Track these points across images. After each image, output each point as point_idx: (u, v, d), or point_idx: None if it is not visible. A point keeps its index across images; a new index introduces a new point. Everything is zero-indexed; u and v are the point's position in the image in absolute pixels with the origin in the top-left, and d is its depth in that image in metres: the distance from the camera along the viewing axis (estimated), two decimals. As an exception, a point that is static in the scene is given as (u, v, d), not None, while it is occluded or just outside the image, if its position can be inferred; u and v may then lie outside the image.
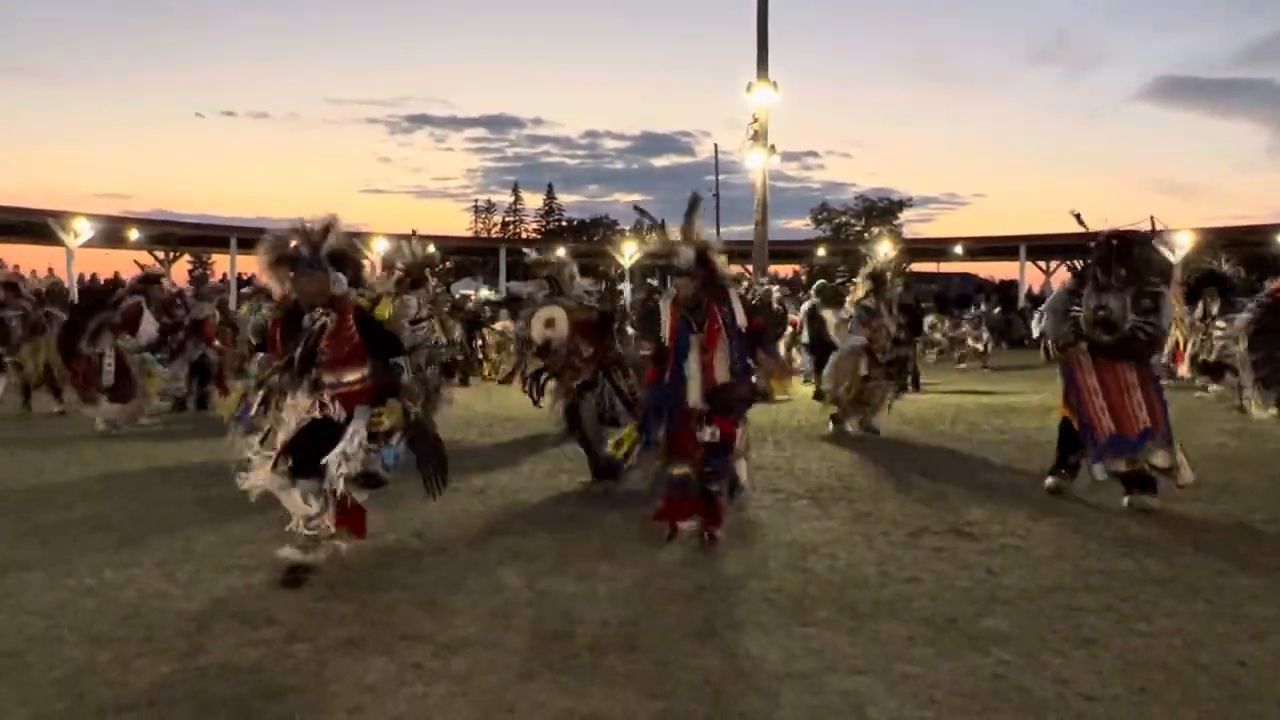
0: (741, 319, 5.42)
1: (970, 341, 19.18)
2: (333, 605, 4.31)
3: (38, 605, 4.30)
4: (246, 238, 32.27)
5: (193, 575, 4.73)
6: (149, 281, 10.32)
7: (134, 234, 28.78)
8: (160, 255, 31.40)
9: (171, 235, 32.00)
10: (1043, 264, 34.11)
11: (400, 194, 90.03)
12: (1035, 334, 8.21)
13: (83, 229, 25.33)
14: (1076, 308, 6.53)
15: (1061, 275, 33.30)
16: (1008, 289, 32.76)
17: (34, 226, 25.63)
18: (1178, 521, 5.75)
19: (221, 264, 40.52)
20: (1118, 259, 6.41)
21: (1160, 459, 6.02)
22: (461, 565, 4.93)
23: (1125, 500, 6.10)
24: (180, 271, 37.17)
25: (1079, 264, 7.67)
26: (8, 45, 78.15)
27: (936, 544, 5.31)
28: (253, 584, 4.62)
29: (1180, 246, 28.02)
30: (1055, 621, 4.08)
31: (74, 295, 24.27)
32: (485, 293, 34.11)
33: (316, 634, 3.95)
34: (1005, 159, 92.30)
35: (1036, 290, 33.82)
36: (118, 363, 9.49)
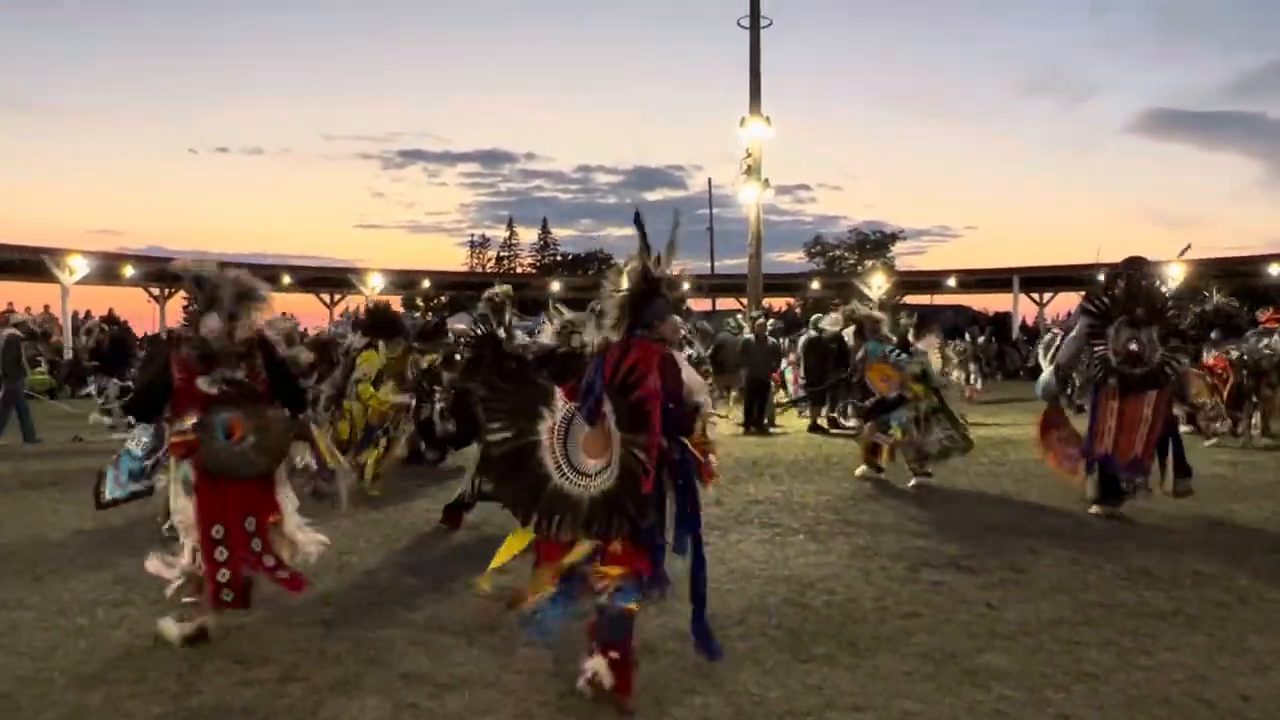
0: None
1: (955, 375, 18.86)
2: (327, 644, 4.26)
3: (29, 646, 4.25)
4: (242, 273, 32.40)
5: (187, 615, 4.67)
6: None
7: (129, 270, 28.75)
8: (155, 292, 31.41)
9: (167, 272, 32.02)
10: (1036, 296, 34.25)
11: (395, 229, 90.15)
12: (1046, 366, 8.28)
13: (78, 266, 25.35)
14: (1098, 342, 6.62)
15: (1055, 307, 33.49)
16: (1002, 321, 32.88)
17: (29, 264, 25.63)
18: (1176, 553, 5.73)
19: (217, 300, 40.51)
20: (1142, 294, 6.70)
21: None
22: (458, 602, 4.89)
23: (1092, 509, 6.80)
24: (175, 309, 37.14)
25: (1096, 298, 7.61)
26: None
27: (935, 578, 5.28)
28: (246, 623, 4.56)
29: (1173, 278, 28.26)
30: (1056, 656, 4.05)
31: (67, 332, 24.27)
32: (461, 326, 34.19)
33: (311, 673, 3.91)
34: (997, 191, 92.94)
35: (1030, 322, 33.98)
36: None
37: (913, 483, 8.09)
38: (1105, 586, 5.06)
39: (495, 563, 3.80)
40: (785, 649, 4.19)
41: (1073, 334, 7.28)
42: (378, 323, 8.76)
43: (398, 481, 8.73)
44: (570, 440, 3.62)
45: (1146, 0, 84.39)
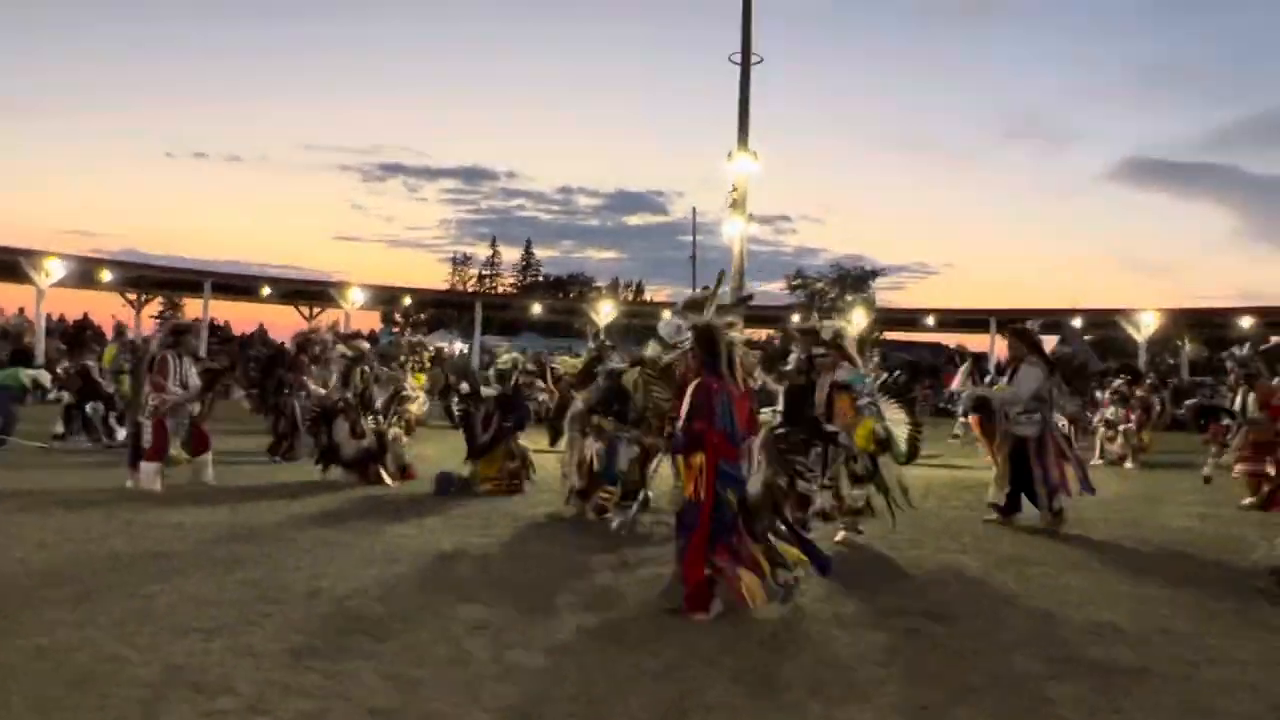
0: (685, 412, 5.44)
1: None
2: (294, 675, 4.19)
3: (-14, 667, 4.15)
4: (221, 283, 32.14)
5: (150, 638, 4.59)
6: (179, 333, 9.89)
7: (106, 275, 28.48)
8: (132, 298, 31.14)
9: (144, 278, 31.73)
10: (1012, 338, 34.67)
11: (373, 242, 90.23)
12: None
13: (54, 269, 25.09)
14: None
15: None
16: (979, 359, 33.12)
17: (4, 265, 25.33)
18: (1146, 609, 5.76)
19: (194, 308, 40.22)
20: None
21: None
22: (428, 635, 4.83)
23: None
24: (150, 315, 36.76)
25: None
26: None
27: (909, 625, 5.28)
28: (212, 648, 4.49)
29: (1146, 326, 28.66)
30: (1027, 713, 4.05)
31: (41, 333, 23.96)
32: (460, 345, 34.10)
33: (277, 705, 3.85)
34: (975, 231, 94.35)
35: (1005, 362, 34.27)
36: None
37: (839, 536, 7.43)
38: (1076, 641, 5.08)
39: None
40: (757, 694, 4.17)
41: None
42: None
43: (369, 506, 8.67)
44: None
45: (1127, 51, 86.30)
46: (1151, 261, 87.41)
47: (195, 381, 9.53)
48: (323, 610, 5.17)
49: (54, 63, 79.02)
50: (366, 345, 11.74)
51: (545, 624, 5.07)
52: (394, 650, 4.57)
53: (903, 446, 7.45)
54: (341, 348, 10.80)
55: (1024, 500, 8.62)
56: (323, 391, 11.31)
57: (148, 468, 9.06)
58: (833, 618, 5.41)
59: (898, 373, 8.35)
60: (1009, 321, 9.32)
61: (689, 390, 5.35)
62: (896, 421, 7.49)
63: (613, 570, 6.40)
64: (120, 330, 18.01)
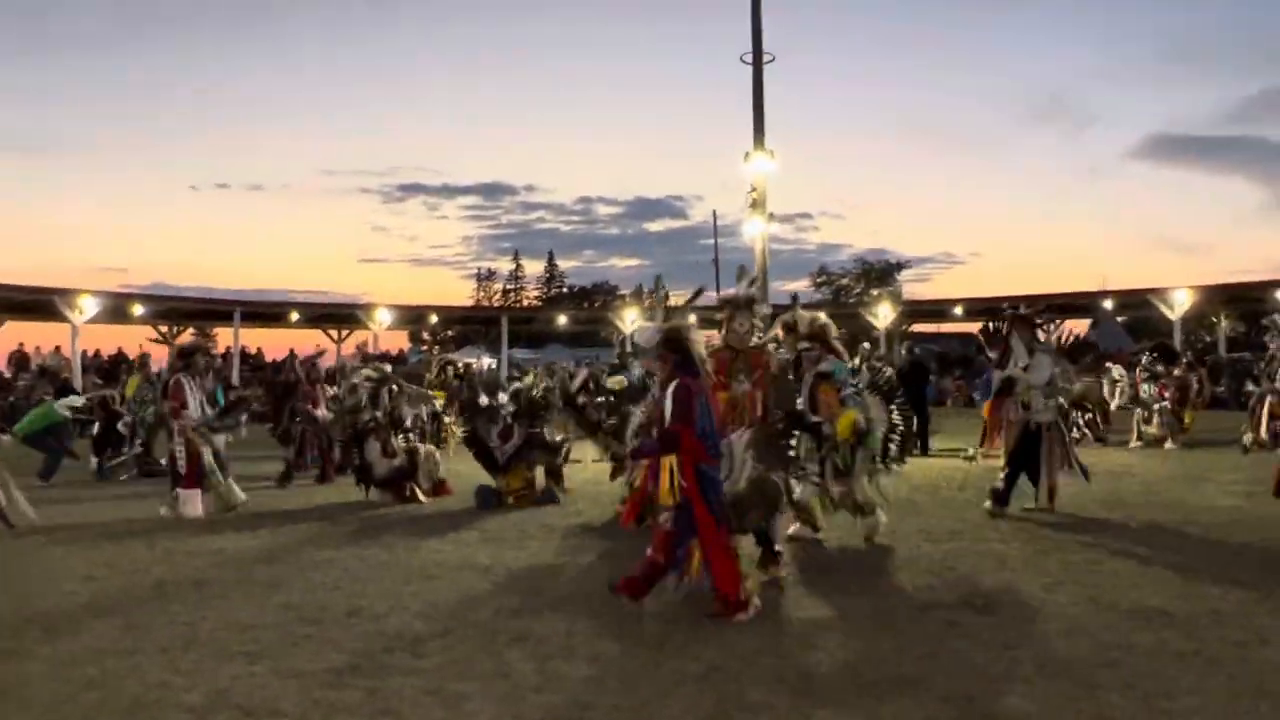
0: (668, 416, 5.38)
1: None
2: (338, 694, 4.22)
3: (38, 699, 4.22)
4: (250, 311, 32.55)
5: (195, 663, 4.65)
6: (188, 355, 9.95)
7: (138, 309, 28.92)
8: (164, 329, 31.58)
9: (175, 310, 32.19)
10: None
11: (398, 263, 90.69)
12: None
13: (88, 306, 25.52)
14: None
15: (1061, 333, 33.39)
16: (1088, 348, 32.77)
17: (40, 304, 25.82)
18: (1193, 591, 5.67)
19: (225, 337, 40.73)
20: None
21: None
22: (469, 648, 4.85)
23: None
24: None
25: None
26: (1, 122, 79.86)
27: (950, 618, 5.23)
28: (256, 671, 4.53)
29: (1179, 305, 28.23)
30: (1076, 700, 3.99)
31: (76, 370, 24.37)
32: (489, 360, 34.27)
33: (322, 725, 3.88)
34: (1001, 218, 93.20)
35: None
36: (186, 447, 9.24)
37: (793, 529, 7.24)
38: (1122, 626, 5.00)
39: None
40: (800, 693, 4.14)
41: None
42: None
43: (405, 524, 8.72)
44: None
45: (1147, 28, 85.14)
46: (1182, 239, 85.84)
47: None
48: (363, 629, 5.21)
49: (75, 102, 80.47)
50: (388, 366, 11.83)
51: (585, 634, 5.07)
52: (435, 665, 4.59)
53: (877, 445, 7.30)
54: (367, 370, 10.88)
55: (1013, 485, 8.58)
56: (329, 416, 11.62)
57: (186, 494, 9.15)
58: (873, 612, 5.37)
59: (888, 372, 8.10)
60: (1011, 308, 9.18)
61: (669, 392, 5.33)
62: (879, 421, 7.36)
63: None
64: (144, 361, 18.27)
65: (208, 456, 9.32)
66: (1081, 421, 15.91)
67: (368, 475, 10.14)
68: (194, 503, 9.12)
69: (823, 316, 7.73)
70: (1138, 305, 31.70)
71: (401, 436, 10.30)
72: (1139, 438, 14.85)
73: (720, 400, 5.91)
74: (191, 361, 9.72)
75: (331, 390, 12.33)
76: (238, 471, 10.07)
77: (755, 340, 6.39)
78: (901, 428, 7.53)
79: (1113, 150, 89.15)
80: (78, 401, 14.35)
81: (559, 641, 4.93)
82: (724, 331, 6.35)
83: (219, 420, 9.80)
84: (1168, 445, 14.30)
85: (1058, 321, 12.20)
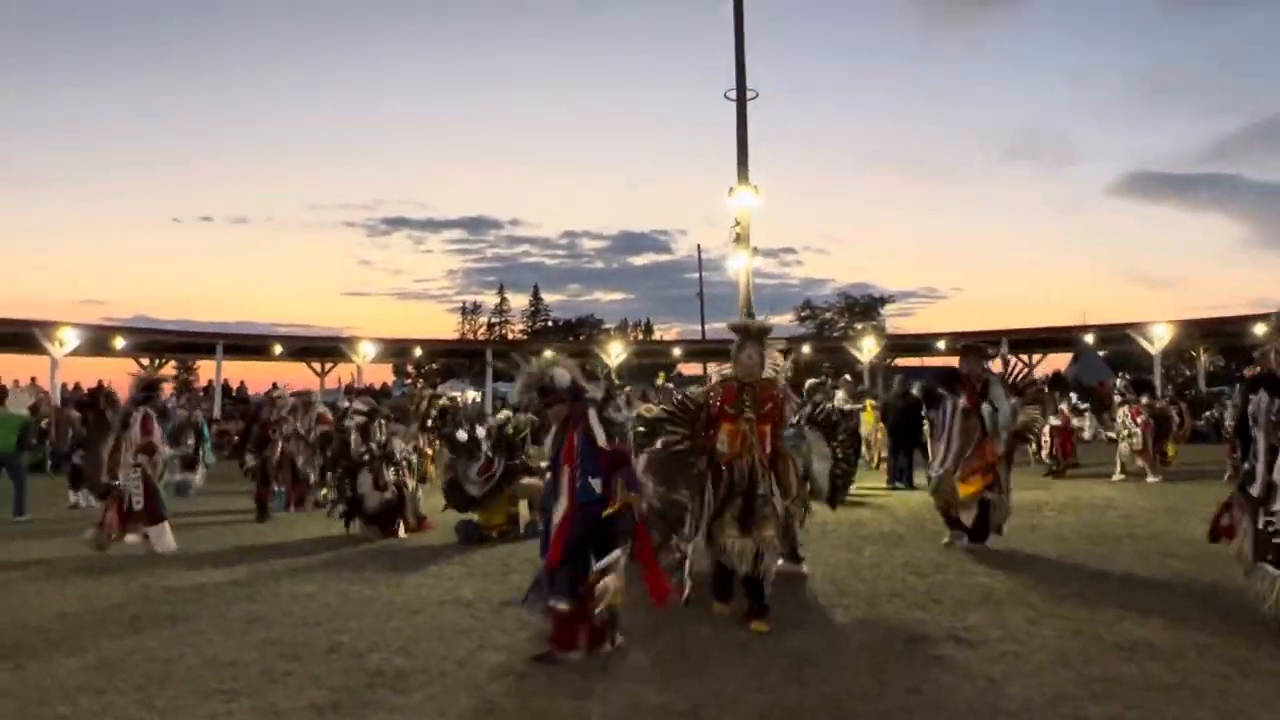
0: (600, 440, 5.24)
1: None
2: (317, 732, 4.16)
3: (9, 738, 4.13)
4: (233, 344, 32.39)
5: (171, 701, 4.57)
6: (150, 389, 9.74)
7: (120, 342, 28.73)
8: (145, 362, 31.36)
9: (158, 343, 32.01)
10: (1025, 357, 34.50)
11: (382, 296, 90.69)
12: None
13: (69, 338, 25.34)
14: None
15: (1044, 368, 33.66)
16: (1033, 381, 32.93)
17: (19, 336, 25.60)
18: (1177, 623, 5.67)
19: (206, 370, 40.45)
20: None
21: None
22: (452, 684, 4.79)
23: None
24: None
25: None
26: None
27: (935, 651, 5.21)
28: (234, 709, 4.46)
29: (1159, 339, 28.51)
30: (1062, 734, 3.98)
31: (56, 402, 24.14)
32: (473, 393, 34.15)
33: (300, 764, 3.80)
34: (982, 253, 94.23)
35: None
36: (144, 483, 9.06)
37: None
38: (1107, 659, 4.99)
39: None
40: (786, 730, 4.10)
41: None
42: None
43: (387, 558, 8.63)
44: None
45: (1126, 66, 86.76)
46: (1161, 274, 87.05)
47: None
48: (344, 665, 5.13)
49: (58, 133, 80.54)
50: (373, 401, 11.79)
51: (570, 668, 5.01)
52: (418, 702, 4.53)
53: (823, 483, 7.11)
54: (358, 403, 10.85)
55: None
56: (291, 449, 12.01)
57: (155, 530, 9.02)
58: (859, 646, 5.34)
59: (828, 408, 8.06)
60: (1026, 342, 9.33)
61: (594, 420, 5.26)
62: (822, 457, 7.14)
63: (635, 612, 6.33)
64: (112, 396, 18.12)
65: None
66: (1043, 453, 16.05)
67: (358, 508, 10.06)
68: (165, 536, 9.01)
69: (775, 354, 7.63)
70: (1118, 339, 32.01)
71: (393, 470, 10.24)
72: (1121, 470, 14.92)
73: (726, 433, 5.88)
74: (153, 397, 9.62)
75: (292, 425, 12.41)
76: (215, 505, 9.93)
77: (770, 373, 6.14)
78: (845, 466, 7.33)
79: (1092, 186, 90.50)
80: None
81: (542, 676, 4.87)
82: (732, 363, 6.15)
83: (176, 452, 9.69)
84: (1149, 478, 14.37)
85: (1007, 356, 12.06)
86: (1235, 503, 5.80)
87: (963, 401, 8.30)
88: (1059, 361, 39.49)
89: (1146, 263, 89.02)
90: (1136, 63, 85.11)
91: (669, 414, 6.56)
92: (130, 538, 9.01)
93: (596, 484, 5.17)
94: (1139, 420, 14.83)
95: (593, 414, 5.31)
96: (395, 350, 37.62)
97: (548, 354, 5.71)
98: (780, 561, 7.09)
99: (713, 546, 5.98)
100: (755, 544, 5.79)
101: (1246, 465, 5.70)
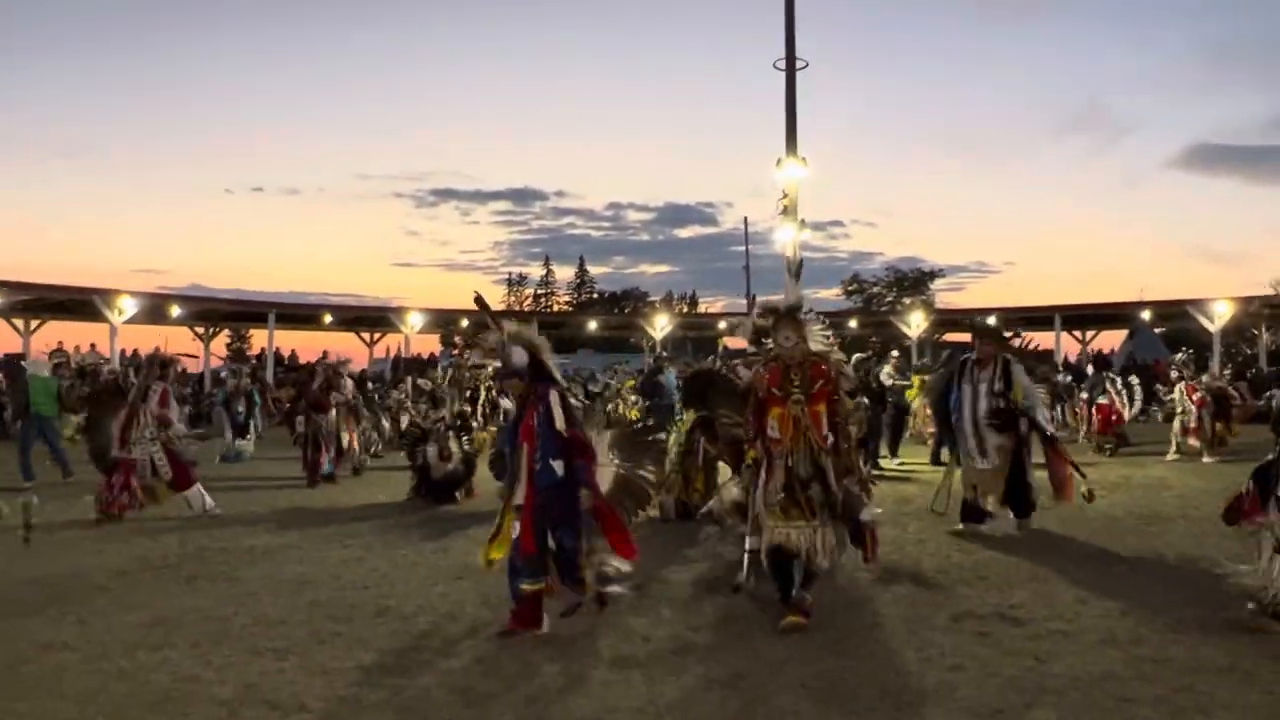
0: (560, 423, 5.12)
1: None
2: (365, 691, 4.26)
3: (71, 690, 4.29)
4: (285, 313, 32.89)
5: (226, 658, 4.70)
6: (166, 365, 9.96)
7: (176, 310, 29.32)
8: (200, 330, 32.01)
9: (213, 311, 32.63)
10: (1078, 334, 33.83)
11: (430, 267, 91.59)
12: None
13: (127, 306, 25.90)
14: None
15: (1098, 344, 33.00)
16: (1046, 358, 32.42)
17: (80, 304, 26.25)
18: (1231, 605, 5.53)
19: (259, 338, 41.25)
20: None
21: None
22: (495, 648, 4.87)
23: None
24: (219, 346, 37.88)
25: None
26: (42, 124, 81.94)
27: (980, 628, 5.17)
28: (285, 667, 4.58)
29: (1219, 316, 27.75)
30: (1108, 713, 3.93)
31: (115, 367, 24.78)
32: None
33: (348, 722, 3.90)
34: (1035, 227, 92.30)
35: (1073, 360, 33.46)
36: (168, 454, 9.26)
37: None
38: (1157, 639, 4.91)
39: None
40: (826, 702, 4.11)
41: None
42: None
43: (434, 525, 8.76)
44: None
45: (1189, 34, 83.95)
46: (1223, 249, 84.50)
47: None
48: (391, 628, 5.24)
49: (114, 107, 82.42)
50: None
51: (611, 636, 5.06)
52: (462, 666, 4.61)
53: None
54: (423, 381, 11.13)
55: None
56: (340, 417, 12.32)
57: (192, 494, 9.26)
58: (902, 622, 5.32)
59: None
60: (1080, 318, 8.92)
61: (554, 400, 5.17)
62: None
63: (677, 580, 6.37)
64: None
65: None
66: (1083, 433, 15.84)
67: (425, 477, 10.24)
68: (202, 499, 9.27)
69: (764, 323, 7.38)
70: (1176, 316, 31.18)
71: (465, 440, 10.42)
72: (1176, 450, 14.59)
73: (775, 416, 5.44)
74: (167, 373, 9.87)
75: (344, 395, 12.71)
76: (267, 471, 10.12)
77: (821, 348, 5.62)
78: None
79: (1152, 159, 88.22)
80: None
81: (584, 644, 4.93)
82: (773, 343, 5.69)
83: (190, 431, 9.92)
84: (1204, 459, 14.03)
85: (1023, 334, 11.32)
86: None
87: (983, 386, 7.88)
88: (1114, 339, 38.73)
89: (1208, 238, 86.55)
90: (1200, 30, 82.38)
91: (725, 392, 6.26)
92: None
93: (558, 466, 5.08)
94: (1194, 398, 14.45)
95: (554, 395, 5.18)
96: (443, 321, 37.91)
97: (510, 326, 5.48)
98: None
99: (765, 538, 5.49)
100: (809, 535, 5.32)
101: None
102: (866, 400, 11.89)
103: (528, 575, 5.10)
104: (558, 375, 5.46)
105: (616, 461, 5.80)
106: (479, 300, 5.77)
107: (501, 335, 5.41)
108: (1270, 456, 5.42)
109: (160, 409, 9.32)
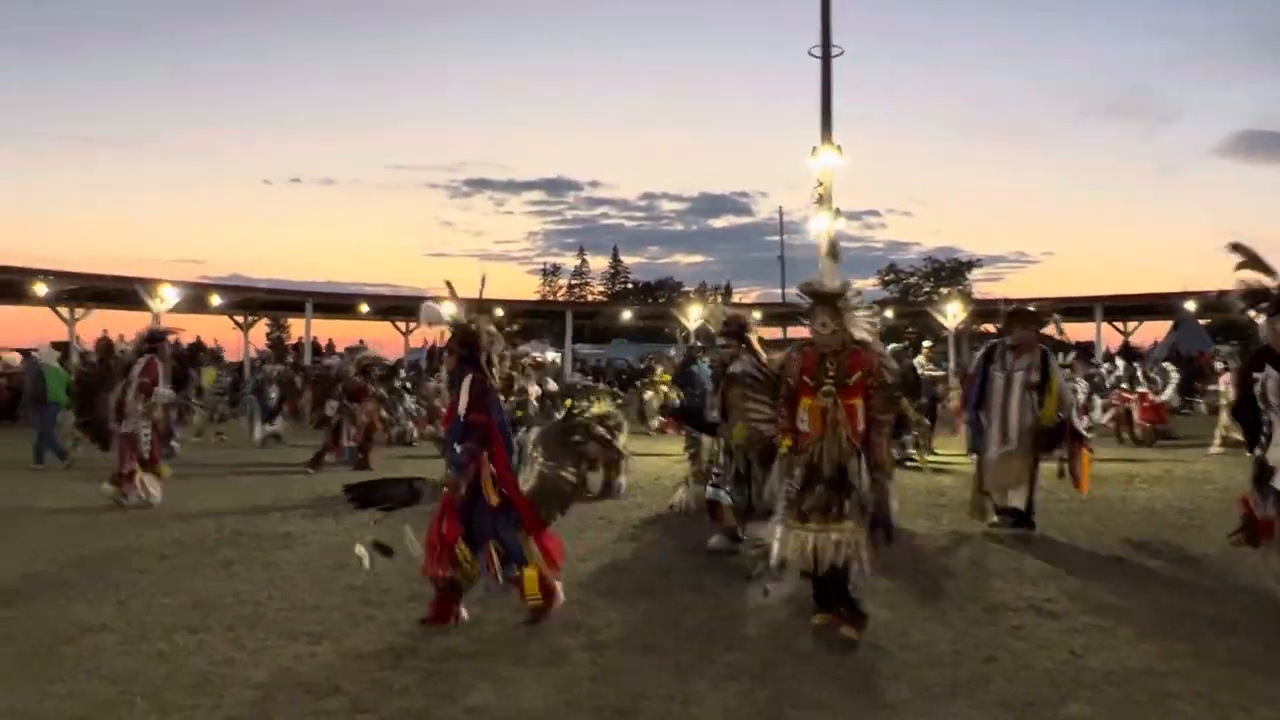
0: (462, 407, 5.02)
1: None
2: (396, 675, 4.30)
3: (110, 670, 4.37)
4: (322, 302, 33.26)
5: (260, 642, 4.77)
6: (154, 339, 9.96)
7: (215, 299, 29.77)
8: (240, 319, 32.46)
9: (252, 301, 33.07)
10: (1120, 324, 33.26)
11: (464, 257, 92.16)
12: None
13: (168, 295, 26.32)
14: None
15: (1141, 336, 32.44)
16: (1087, 350, 31.93)
17: (123, 294, 26.72)
18: (1271, 600, 5.44)
19: (297, 328, 41.73)
20: None
21: None
22: (525, 635, 4.89)
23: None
24: (258, 335, 38.44)
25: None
26: (83, 116, 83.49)
27: (1014, 621, 5.11)
28: (319, 651, 4.64)
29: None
30: (1144, 708, 3.87)
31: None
32: (552, 354, 34.52)
33: (380, 704, 3.94)
34: (1075, 217, 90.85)
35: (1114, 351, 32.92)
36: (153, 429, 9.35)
37: (713, 541, 6.86)
38: (1196, 634, 4.83)
39: None
40: (856, 693, 4.08)
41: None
42: None
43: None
44: None
45: (1234, 18, 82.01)
46: (1270, 238, 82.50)
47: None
48: (423, 613, 5.27)
49: (157, 99, 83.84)
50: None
51: (639, 624, 5.07)
52: (492, 651, 4.64)
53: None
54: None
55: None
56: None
57: (147, 477, 9.24)
58: (936, 613, 5.27)
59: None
60: (1121, 309, 8.65)
61: (465, 384, 5.04)
62: None
63: (706, 570, 6.36)
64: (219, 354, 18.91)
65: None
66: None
67: None
68: (145, 486, 9.19)
69: (747, 314, 6.93)
70: (1222, 307, 30.57)
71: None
72: (1221, 443, 14.32)
73: (806, 408, 4.91)
74: (159, 347, 9.88)
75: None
76: (303, 458, 10.24)
77: (862, 336, 4.99)
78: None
79: (1196, 146, 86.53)
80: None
81: (614, 631, 4.94)
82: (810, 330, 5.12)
83: (180, 399, 9.88)
84: (1248, 452, 13.77)
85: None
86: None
87: (1018, 375, 7.44)
88: (1158, 330, 38.05)
89: (1254, 226, 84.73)
90: (1245, 15, 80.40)
91: (751, 382, 5.90)
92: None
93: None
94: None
95: (468, 380, 5.04)
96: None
97: (446, 305, 5.36)
98: (716, 539, 6.84)
99: (783, 542, 4.92)
100: (836, 538, 4.75)
101: (1258, 452, 5.35)
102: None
103: (450, 563, 5.01)
104: (489, 363, 5.21)
105: (540, 460, 5.47)
106: (448, 284, 5.69)
107: (433, 311, 5.36)
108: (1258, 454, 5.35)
109: (142, 378, 9.32)
